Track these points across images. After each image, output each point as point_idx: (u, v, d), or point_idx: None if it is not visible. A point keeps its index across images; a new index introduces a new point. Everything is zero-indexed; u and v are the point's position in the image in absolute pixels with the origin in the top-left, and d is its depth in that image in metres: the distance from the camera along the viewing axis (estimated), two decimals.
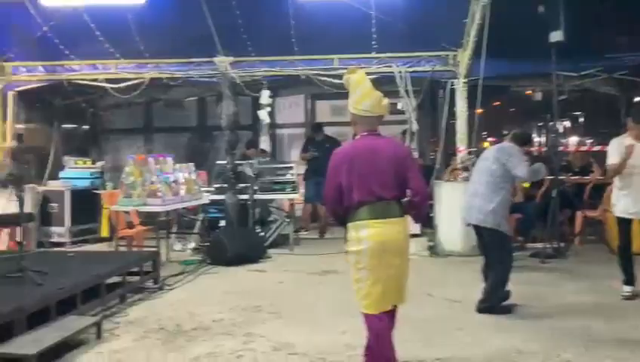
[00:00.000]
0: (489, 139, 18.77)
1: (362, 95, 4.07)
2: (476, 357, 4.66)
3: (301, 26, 9.03)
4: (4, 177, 7.96)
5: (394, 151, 4.08)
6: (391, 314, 4.07)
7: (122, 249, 8.45)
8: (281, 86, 10.80)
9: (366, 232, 3.94)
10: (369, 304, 3.97)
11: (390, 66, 9.59)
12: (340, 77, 9.35)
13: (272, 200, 9.95)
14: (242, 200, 9.22)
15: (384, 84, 8.59)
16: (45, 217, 9.85)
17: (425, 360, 4.59)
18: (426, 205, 4.40)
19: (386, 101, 4.13)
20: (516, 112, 19.99)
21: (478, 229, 5.98)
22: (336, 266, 7.77)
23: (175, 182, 8.28)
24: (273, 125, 11.78)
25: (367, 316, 4.01)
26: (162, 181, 7.98)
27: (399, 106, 9.39)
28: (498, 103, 17.49)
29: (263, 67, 9.82)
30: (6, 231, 8.72)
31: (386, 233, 3.95)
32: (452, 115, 9.66)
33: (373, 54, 9.54)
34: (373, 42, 9.26)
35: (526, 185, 9.28)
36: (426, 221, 8.52)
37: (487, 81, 8.89)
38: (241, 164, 9.41)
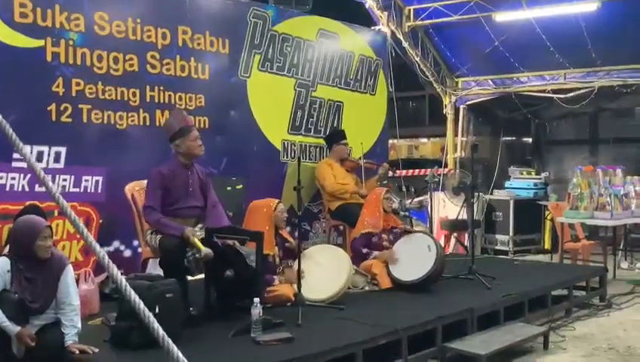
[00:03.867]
0: None
1: None
2: None
3: None
4: (456, 185, 8.50)
5: None
6: None
7: (566, 262, 8.25)
8: None
9: None
10: None
11: None
12: None
13: None
14: None
15: None
16: (490, 225, 10.24)
17: None
18: None
19: None
20: None
21: None
22: None
23: (626, 195, 7.77)
24: None
25: None
26: (611, 194, 7.56)
27: None
28: None
29: None
30: (454, 234, 9.29)
31: None
32: None
33: None
34: None
35: None
36: None
37: None
38: None
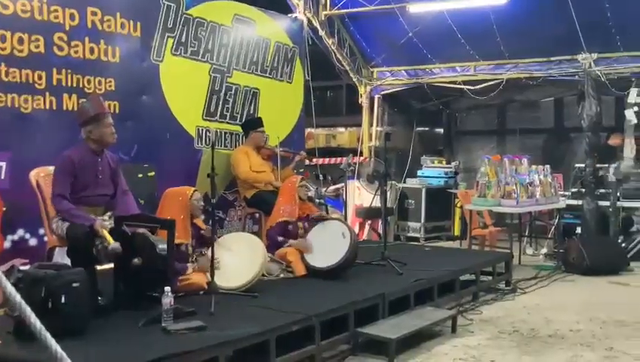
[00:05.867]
0: None
1: None
2: None
3: None
4: (371, 173, 8.63)
5: None
6: None
7: (474, 248, 8.53)
8: None
9: None
10: None
11: None
12: None
13: (636, 209, 9.10)
14: (602, 206, 8.62)
15: None
16: (403, 212, 10.46)
17: None
18: None
19: None
20: None
21: None
22: None
23: (530, 184, 8.09)
24: None
25: None
26: (517, 182, 7.86)
27: None
28: None
29: (632, 63, 8.99)
30: (368, 222, 9.45)
31: None
32: None
33: None
34: None
35: None
36: None
37: None
38: (602, 168, 8.80)
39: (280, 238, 5.91)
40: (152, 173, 6.27)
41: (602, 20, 8.55)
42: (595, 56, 9.01)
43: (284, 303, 4.64)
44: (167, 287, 3.97)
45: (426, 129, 12.51)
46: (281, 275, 5.63)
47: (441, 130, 12.87)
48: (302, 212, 6.20)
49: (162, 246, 4.31)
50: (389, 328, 4.78)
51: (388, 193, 8.72)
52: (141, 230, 4.43)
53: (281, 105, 7.91)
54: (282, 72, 7.97)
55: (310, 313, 4.33)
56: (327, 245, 5.67)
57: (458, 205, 10.15)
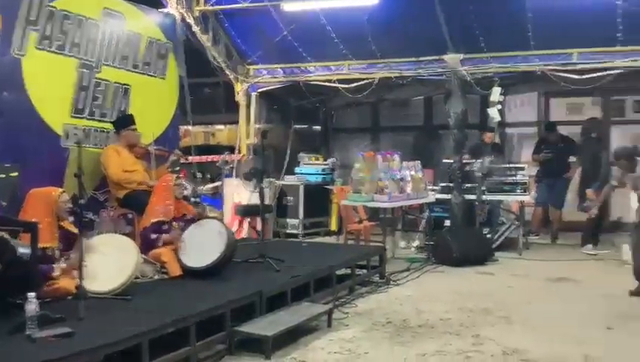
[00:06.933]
0: None
1: None
2: None
3: (538, 19, 8.64)
4: (248, 171, 8.60)
5: None
6: None
7: (350, 243, 8.71)
8: (512, 83, 10.40)
9: None
10: None
11: (637, 60, 8.78)
12: (579, 72, 8.90)
13: (500, 202, 9.64)
14: (469, 200, 9.07)
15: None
16: (282, 209, 10.52)
17: None
18: None
19: None
20: None
21: None
22: (570, 274, 7.39)
23: (402, 179, 8.36)
24: (502, 124, 11.38)
25: None
26: (390, 178, 8.10)
27: None
28: None
29: (495, 63, 9.52)
30: (247, 220, 9.41)
31: None
32: None
33: (618, 47, 8.81)
34: (618, 34, 8.57)
35: None
36: None
37: None
38: (468, 163, 9.25)
39: (154, 235, 5.76)
40: (16, 173, 5.91)
41: (467, 22, 8.96)
42: (460, 56, 9.43)
43: (159, 305, 4.55)
44: (31, 293, 3.76)
45: (304, 126, 12.63)
46: (156, 277, 5.50)
47: (319, 128, 13.05)
48: (177, 211, 6.08)
49: (24, 250, 4.10)
50: (266, 325, 4.79)
51: (267, 190, 8.73)
52: (1, 233, 4.17)
53: (154, 102, 7.70)
54: (155, 67, 7.76)
55: (185, 314, 4.26)
56: (203, 244, 5.60)
57: (335, 201, 10.33)
